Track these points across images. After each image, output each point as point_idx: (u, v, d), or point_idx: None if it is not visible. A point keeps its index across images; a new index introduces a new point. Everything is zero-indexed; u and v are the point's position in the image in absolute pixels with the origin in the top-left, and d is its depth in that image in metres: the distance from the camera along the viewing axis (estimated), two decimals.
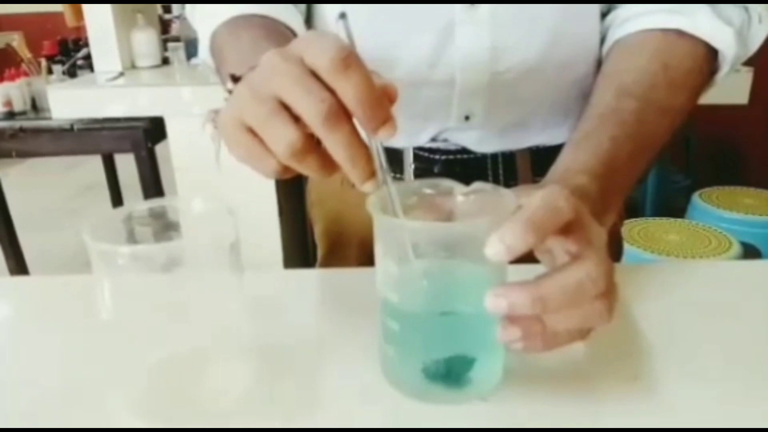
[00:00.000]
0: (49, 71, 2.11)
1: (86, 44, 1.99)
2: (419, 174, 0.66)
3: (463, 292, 0.41)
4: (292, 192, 1.72)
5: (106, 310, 0.39)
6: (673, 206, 2.26)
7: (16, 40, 2.52)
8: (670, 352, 0.46)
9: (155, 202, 0.42)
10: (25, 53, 2.18)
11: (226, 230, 0.39)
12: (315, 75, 0.35)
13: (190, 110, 1.60)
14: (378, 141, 0.37)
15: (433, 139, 0.65)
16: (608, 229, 0.47)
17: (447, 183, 0.41)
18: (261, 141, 0.37)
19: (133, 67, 1.94)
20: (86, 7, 1.87)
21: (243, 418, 0.40)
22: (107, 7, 1.84)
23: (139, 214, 0.41)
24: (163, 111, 1.66)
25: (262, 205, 1.66)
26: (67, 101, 1.68)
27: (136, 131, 1.71)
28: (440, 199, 0.41)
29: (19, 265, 2.07)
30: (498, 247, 0.34)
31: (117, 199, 2.79)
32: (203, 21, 0.62)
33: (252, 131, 0.37)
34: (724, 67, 0.59)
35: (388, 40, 0.60)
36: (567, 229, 0.36)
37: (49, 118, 1.72)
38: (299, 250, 1.83)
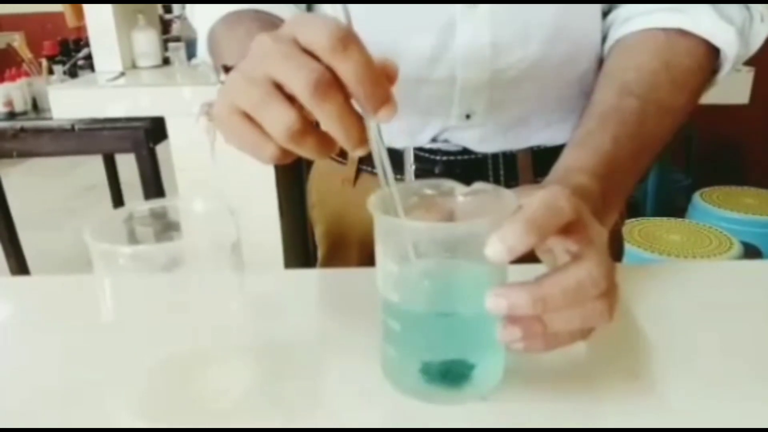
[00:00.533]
0: (50, 71, 2.11)
1: (87, 44, 1.99)
2: (420, 175, 0.65)
3: (463, 292, 0.41)
4: (292, 192, 1.73)
5: (106, 309, 0.39)
6: (674, 206, 2.26)
7: (16, 40, 2.51)
8: (671, 351, 0.46)
9: (156, 202, 0.42)
10: (26, 53, 2.18)
11: (226, 230, 0.39)
12: (311, 54, 0.34)
13: (190, 110, 1.60)
14: (377, 126, 0.36)
15: (434, 140, 0.65)
16: (609, 229, 0.47)
17: (448, 183, 0.41)
18: (257, 126, 0.36)
19: (134, 67, 1.94)
20: (87, 7, 1.87)
21: (243, 418, 0.40)
22: (108, 7, 1.84)
23: (140, 214, 0.41)
24: (163, 111, 1.66)
25: (263, 204, 1.66)
26: (68, 101, 1.68)
27: (137, 131, 1.71)
28: (441, 199, 0.41)
29: (19, 265, 2.08)
30: (498, 247, 0.34)
31: (118, 199, 2.79)
32: (202, 20, 0.62)
33: (248, 117, 0.36)
34: (726, 67, 0.59)
35: (388, 38, 0.60)
36: (568, 229, 0.36)
37: (50, 119, 1.72)
38: (300, 250, 1.83)
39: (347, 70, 0.33)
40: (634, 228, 1.91)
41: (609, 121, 0.53)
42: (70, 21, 2.62)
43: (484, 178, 0.65)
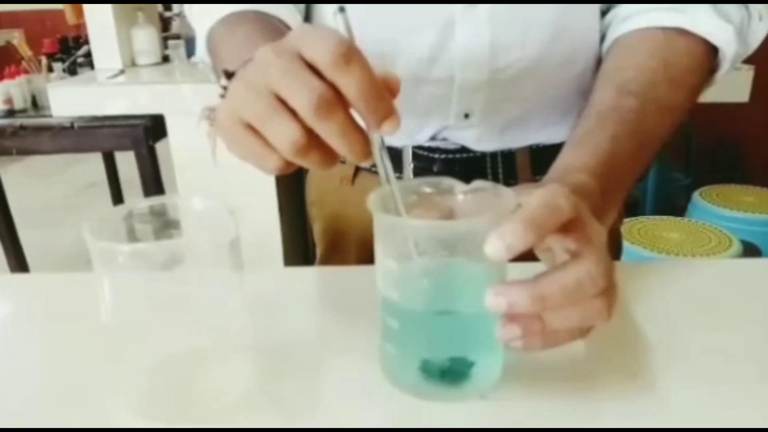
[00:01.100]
0: (50, 69, 2.10)
1: (86, 42, 1.99)
2: (418, 173, 0.66)
3: (463, 290, 0.41)
4: (292, 190, 1.72)
5: (106, 307, 0.39)
6: (674, 204, 2.26)
7: (16, 37, 2.51)
8: (670, 350, 0.46)
9: (155, 200, 0.42)
10: (26, 51, 2.17)
11: (226, 228, 0.39)
12: (313, 69, 0.34)
13: (190, 108, 1.60)
14: (380, 137, 0.36)
15: (433, 138, 0.65)
16: (608, 227, 0.47)
17: (447, 181, 0.41)
18: (262, 138, 0.36)
19: (134, 64, 1.94)
20: (87, 5, 1.87)
21: (243, 418, 0.40)
22: (107, 5, 1.84)
23: (140, 212, 0.41)
24: (163, 109, 1.66)
25: (263, 202, 1.66)
26: (68, 99, 1.68)
27: (137, 129, 1.70)
28: (440, 197, 0.41)
29: (19, 263, 2.07)
30: (498, 245, 0.34)
31: (117, 197, 2.79)
32: (200, 20, 0.62)
33: (251, 128, 0.37)
34: (724, 65, 0.59)
35: (387, 37, 0.60)
36: (567, 228, 0.36)
37: (50, 116, 1.72)
38: (299, 247, 1.83)
39: (350, 86, 0.34)
40: (633, 226, 1.91)
41: (608, 120, 0.53)
42: (70, 19, 2.62)
43: (483, 176, 0.65)
